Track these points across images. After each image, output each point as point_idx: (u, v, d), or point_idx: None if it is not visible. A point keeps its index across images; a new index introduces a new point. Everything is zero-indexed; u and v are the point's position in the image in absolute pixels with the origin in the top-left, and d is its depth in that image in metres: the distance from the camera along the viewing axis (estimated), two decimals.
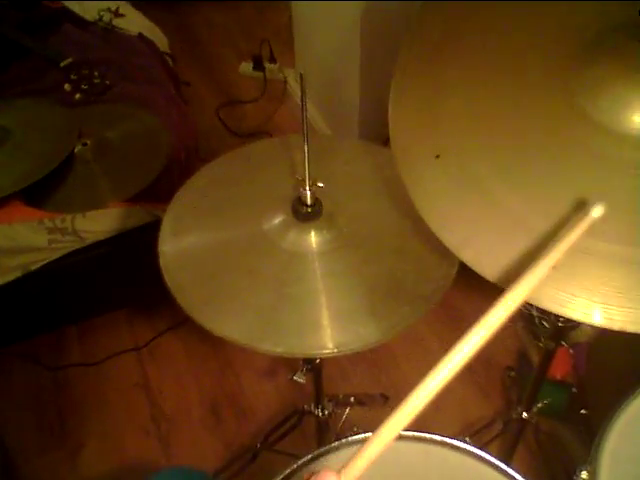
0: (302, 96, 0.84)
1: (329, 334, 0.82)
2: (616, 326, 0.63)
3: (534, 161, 0.70)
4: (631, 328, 0.63)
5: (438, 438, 0.90)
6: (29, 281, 1.47)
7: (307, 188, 0.91)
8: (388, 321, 0.83)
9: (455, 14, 0.75)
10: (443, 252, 0.72)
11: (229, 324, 0.83)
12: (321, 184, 0.92)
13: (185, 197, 1.01)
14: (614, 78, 0.68)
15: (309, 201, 0.93)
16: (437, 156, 0.71)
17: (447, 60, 0.75)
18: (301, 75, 0.84)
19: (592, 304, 0.64)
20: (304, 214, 0.93)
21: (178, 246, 0.94)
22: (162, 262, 0.91)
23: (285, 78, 2.53)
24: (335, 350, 0.81)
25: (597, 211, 0.60)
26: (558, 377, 1.60)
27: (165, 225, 0.97)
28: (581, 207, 0.63)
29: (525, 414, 1.31)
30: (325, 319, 0.84)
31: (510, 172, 0.69)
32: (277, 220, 0.94)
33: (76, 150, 1.51)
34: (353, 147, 1.13)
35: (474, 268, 0.68)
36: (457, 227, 0.70)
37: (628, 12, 0.70)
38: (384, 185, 0.98)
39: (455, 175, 0.70)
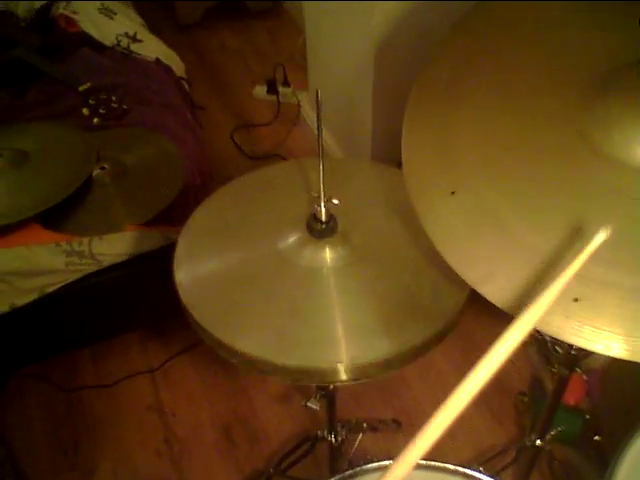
0: (317, 111, 0.85)
1: (343, 347, 0.83)
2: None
3: (549, 194, 0.71)
4: None
5: (451, 467, 0.90)
6: (45, 303, 1.48)
7: (322, 204, 0.92)
8: (403, 335, 0.84)
9: (465, 54, 0.77)
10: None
11: (246, 340, 0.84)
12: (336, 201, 0.93)
13: (200, 218, 1.03)
14: (624, 114, 0.70)
15: (324, 217, 0.94)
16: (453, 192, 0.72)
17: (458, 99, 0.77)
18: (317, 92, 0.85)
19: (614, 336, 0.64)
20: (319, 230, 0.94)
21: (194, 266, 0.95)
22: (178, 281, 0.92)
23: (299, 101, 2.55)
24: (350, 364, 0.81)
25: (600, 237, 0.60)
26: (572, 403, 1.59)
27: (181, 245, 0.98)
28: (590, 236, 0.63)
29: (539, 441, 1.30)
30: (339, 333, 0.85)
31: (526, 206, 0.70)
32: (292, 238, 0.96)
33: (94, 174, 1.53)
34: (367, 169, 1.15)
35: (494, 302, 0.68)
36: (476, 263, 0.70)
37: (637, 50, 0.71)
38: (398, 206, 0.99)
39: (472, 210, 0.71)
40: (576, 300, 0.63)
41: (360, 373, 0.83)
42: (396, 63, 1.76)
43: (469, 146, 0.73)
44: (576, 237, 0.67)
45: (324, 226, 0.94)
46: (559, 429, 1.35)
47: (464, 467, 0.90)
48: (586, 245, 0.59)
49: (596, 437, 1.54)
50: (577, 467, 1.54)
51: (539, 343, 1.73)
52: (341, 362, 0.82)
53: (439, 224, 0.73)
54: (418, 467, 0.88)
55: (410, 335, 0.84)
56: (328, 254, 0.94)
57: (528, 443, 1.32)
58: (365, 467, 0.91)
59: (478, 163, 0.73)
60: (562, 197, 0.70)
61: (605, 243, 0.60)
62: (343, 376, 0.83)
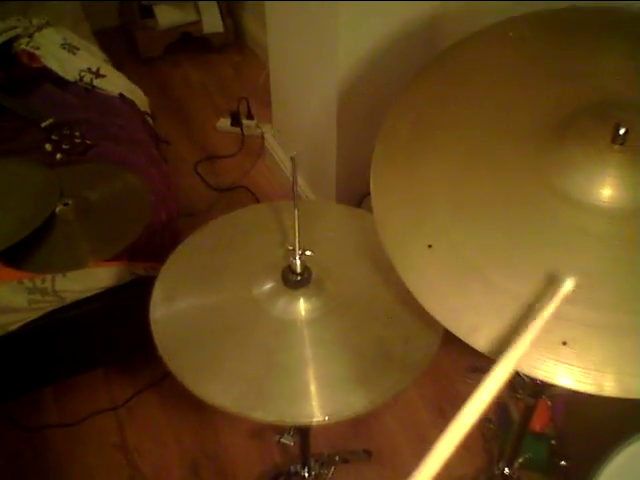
0: (293, 177, 0.89)
1: (318, 403, 0.84)
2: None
3: (521, 243, 0.73)
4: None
5: None
6: (7, 341, 1.45)
7: (297, 257, 0.95)
8: (377, 389, 0.86)
9: (426, 105, 0.80)
10: (429, 318, 0.73)
11: (221, 392, 0.85)
12: (310, 252, 0.95)
13: (176, 262, 1.03)
14: (584, 156, 0.73)
15: (299, 269, 0.96)
16: (430, 246, 0.73)
17: (423, 151, 0.79)
18: (292, 158, 0.89)
19: (605, 375, 0.65)
20: (294, 282, 0.96)
21: (169, 311, 0.96)
22: (153, 327, 0.93)
23: (262, 133, 2.57)
24: (326, 419, 0.82)
25: (568, 284, 0.63)
26: (537, 429, 1.61)
27: (157, 290, 0.99)
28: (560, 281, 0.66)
29: (507, 470, 1.32)
30: (314, 387, 0.86)
31: (502, 255, 0.72)
32: (267, 286, 0.97)
33: (57, 210, 1.51)
34: (337, 212, 1.18)
35: (485, 353, 0.69)
36: (462, 314, 0.71)
37: (596, 94, 0.75)
38: (370, 250, 1.01)
39: (451, 262, 0.72)
40: (564, 344, 0.65)
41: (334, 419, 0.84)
42: (360, 104, 1.80)
43: (440, 199, 0.76)
44: (550, 282, 0.68)
45: (299, 277, 0.96)
46: (526, 456, 1.37)
47: None
48: (557, 291, 0.61)
49: (562, 462, 1.56)
50: None
51: None
52: (317, 418, 0.83)
53: (419, 277, 0.74)
54: None
55: (384, 388, 0.86)
56: (302, 305, 0.95)
57: (497, 472, 1.34)
58: None
59: (451, 216, 0.75)
60: (534, 244, 0.72)
61: (581, 286, 0.62)
62: (317, 422, 0.84)
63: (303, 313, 0.94)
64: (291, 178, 0.90)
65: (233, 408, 0.83)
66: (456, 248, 0.73)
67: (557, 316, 0.65)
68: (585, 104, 0.77)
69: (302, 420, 0.84)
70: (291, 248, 0.94)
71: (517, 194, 0.74)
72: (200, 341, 0.92)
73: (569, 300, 0.66)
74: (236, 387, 0.86)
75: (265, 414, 0.83)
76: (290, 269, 0.96)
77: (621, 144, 0.71)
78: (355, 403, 0.84)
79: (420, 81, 0.87)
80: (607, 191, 0.72)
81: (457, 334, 0.71)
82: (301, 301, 0.95)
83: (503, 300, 0.70)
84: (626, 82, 0.81)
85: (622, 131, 0.70)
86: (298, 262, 0.95)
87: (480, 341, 0.69)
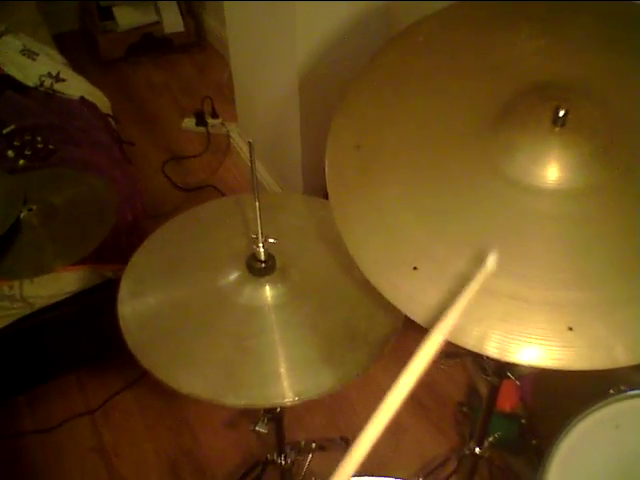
0: (252, 162, 0.90)
1: (289, 384, 0.86)
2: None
3: (462, 220, 0.75)
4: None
5: None
6: None
7: (260, 245, 0.96)
8: (344, 368, 0.88)
9: (379, 88, 0.82)
10: None
11: (192, 381, 0.87)
12: (273, 240, 0.96)
13: (141, 258, 1.04)
14: (525, 136, 0.75)
15: (263, 257, 0.97)
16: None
17: (377, 132, 0.81)
18: (250, 143, 0.90)
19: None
20: (258, 269, 0.98)
21: (137, 307, 0.96)
22: (122, 324, 0.94)
23: (228, 132, 2.58)
24: (296, 398, 0.84)
25: (492, 261, 0.66)
26: (507, 409, 1.65)
27: (123, 286, 0.99)
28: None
29: (478, 449, 1.35)
30: (284, 369, 0.88)
31: (447, 235, 0.74)
32: (232, 276, 0.99)
33: (22, 216, 1.50)
34: (299, 202, 1.20)
35: (420, 322, 0.71)
36: (401, 288, 0.73)
37: (540, 74, 0.78)
38: (331, 239, 1.03)
39: (396, 241, 0.75)
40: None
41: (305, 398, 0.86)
42: (321, 94, 1.81)
43: (393, 191, 0.78)
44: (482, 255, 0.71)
45: (263, 265, 0.98)
46: (496, 435, 1.40)
47: None
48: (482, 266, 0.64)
49: (533, 441, 1.60)
50: (517, 472, 1.60)
51: (474, 353, 1.78)
52: (287, 399, 0.85)
53: (367, 255, 0.75)
54: None
55: (350, 366, 0.89)
56: (268, 292, 0.97)
57: (467, 452, 1.37)
58: None
59: (402, 203, 0.77)
60: (474, 221, 0.75)
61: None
62: (288, 403, 0.86)
63: (269, 299, 0.96)
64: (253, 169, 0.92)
65: (205, 395, 0.85)
66: (403, 228, 0.75)
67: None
68: (521, 89, 0.79)
69: (274, 401, 0.86)
70: (254, 236, 0.95)
71: (465, 181, 0.76)
72: (170, 334, 0.93)
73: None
74: (208, 375, 0.88)
75: (237, 398, 0.85)
76: (254, 257, 0.97)
77: (562, 126, 0.74)
78: (324, 382, 0.86)
79: (375, 64, 0.89)
80: (551, 172, 0.74)
81: (396, 304, 0.73)
82: (267, 288, 0.97)
83: (440, 275, 0.72)
84: (548, 60, 0.83)
85: (562, 113, 0.73)
86: (262, 249, 0.96)
87: (415, 310, 0.72)
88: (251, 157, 0.90)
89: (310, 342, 0.91)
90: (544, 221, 0.73)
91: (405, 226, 0.75)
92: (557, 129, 0.74)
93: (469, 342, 0.70)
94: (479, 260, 0.69)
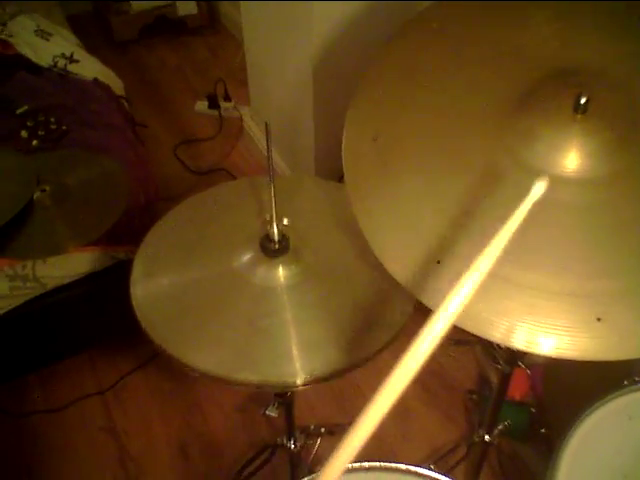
0: (267, 143, 0.90)
1: (300, 363, 0.86)
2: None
3: (476, 208, 0.74)
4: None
5: (403, 467, 0.92)
6: None
7: (274, 226, 0.96)
8: (356, 348, 0.88)
9: (398, 71, 0.81)
10: None
11: (206, 359, 0.87)
12: (286, 221, 0.96)
13: (155, 239, 1.04)
14: (546, 125, 0.74)
15: (276, 238, 0.97)
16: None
17: (394, 117, 0.80)
18: (267, 124, 0.89)
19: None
20: (272, 250, 0.98)
21: (150, 287, 0.96)
22: (134, 303, 0.93)
23: (241, 115, 2.57)
24: (308, 376, 0.85)
25: (539, 187, 0.62)
26: (517, 398, 1.65)
27: (136, 267, 0.99)
28: None
29: (487, 437, 1.34)
30: (296, 349, 0.88)
31: (459, 217, 0.74)
32: (246, 257, 0.99)
33: (35, 197, 1.51)
34: (313, 185, 1.19)
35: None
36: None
37: (558, 59, 0.76)
38: (345, 221, 1.02)
39: (409, 226, 0.75)
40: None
41: (316, 380, 0.86)
42: (335, 77, 1.80)
43: (411, 177, 0.77)
44: None
45: (277, 245, 0.98)
46: (506, 423, 1.40)
47: (416, 466, 0.92)
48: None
49: (542, 430, 1.59)
50: (525, 459, 1.60)
51: (484, 342, 1.78)
52: (299, 377, 0.85)
53: (381, 235, 0.76)
54: (372, 469, 0.91)
55: (362, 347, 0.88)
56: (281, 272, 0.97)
57: (477, 439, 1.36)
58: None
59: (418, 189, 0.76)
60: (492, 211, 0.74)
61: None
62: (300, 384, 0.86)
63: (282, 280, 0.96)
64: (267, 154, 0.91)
65: (218, 371, 0.85)
66: (423, 219, 0.75)
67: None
68: (539, 76, 0.78)
69: (286, 380, 0.86)
70: (268, 218, 0.95)
71: (484, 170, 0.75)
72: (183, 313, 0.93)
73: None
74: (220, 352, 0.88)
75: (250, 375, 0.85)
76: (268, 238, 0.97)
77: (583, 113, 0.73)
78: (336, 362, 0.86)
79: (394, 47, 0.88)
80: (571, 161, 0.73)
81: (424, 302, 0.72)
82: (280, 268, 0.96)
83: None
84: (566, 45, 0.82)
85: (583, 100, 0.71)
86: (276, 230, 0.96)
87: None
88: (267, 138, 0.90)
89: (323, 322, 0.91)
90: (565, 210, 0.72)
91: (425, 217, 0.74)
92: (578, 116, 0.73)
93: (496, 335, 0.68)
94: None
